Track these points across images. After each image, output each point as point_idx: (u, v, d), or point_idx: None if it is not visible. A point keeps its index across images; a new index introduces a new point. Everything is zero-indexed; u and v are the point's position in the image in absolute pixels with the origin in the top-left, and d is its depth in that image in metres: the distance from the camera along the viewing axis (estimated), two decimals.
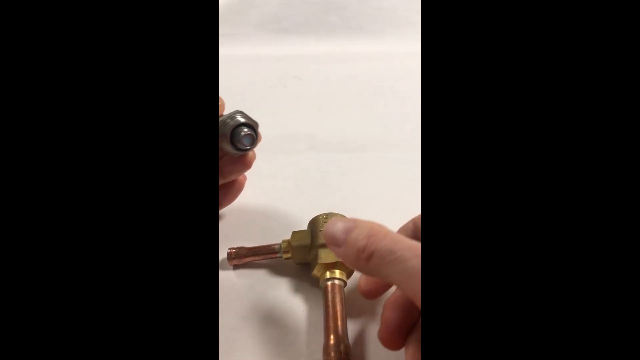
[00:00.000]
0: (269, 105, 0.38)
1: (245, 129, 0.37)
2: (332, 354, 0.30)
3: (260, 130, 0.39)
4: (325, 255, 0.35)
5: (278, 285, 0.38)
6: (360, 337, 0.34)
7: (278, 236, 0.39)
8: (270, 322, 0.35)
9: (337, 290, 0.34)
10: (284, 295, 0.37)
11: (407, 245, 0.24)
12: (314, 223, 0.39)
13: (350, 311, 0.35)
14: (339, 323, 0.32)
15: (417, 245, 0.24)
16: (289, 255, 0.38)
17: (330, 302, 0.33)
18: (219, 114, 0.38)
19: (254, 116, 0.38)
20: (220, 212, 0.45)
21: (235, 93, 0.39)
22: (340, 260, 0.35)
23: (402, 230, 0.33)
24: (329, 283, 0.35)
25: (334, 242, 0.27)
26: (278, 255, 0.39)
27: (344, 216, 0.39)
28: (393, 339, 0.27)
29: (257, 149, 0.40)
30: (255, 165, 0.41)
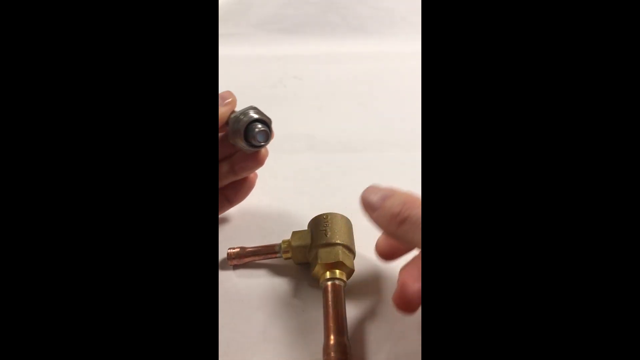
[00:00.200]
0: (269, 105, 0.38)
1: (260, 125, 0.36)
2: (332, 354, 0.30)
3: None
4: (325, 255, 0.35)
5: (278, 285, 0.38)
6: (360, 337, 0.34)
7: (278, 236, 0.39)
8: (270, 322, 0.35)
9: (337, 290, 0.34)
10: (284, 295, 0.37)
11: None
12: (314, 223, 0.39)
13: (350, 311, 0.35)
14: (339, 323, 0.32)
15: None
16: (289, 255, 0.38)
17: (330, 302, 0.33)
18: (231, 110, 0.38)
19: None
20: (225, 213, 0.45)
21: (235, 93, 0.39)
22: (340, 260, 0.35)
23: None
24: (329, 283, 0.35)
25: (370, 207, 0.30)
26: (278, 255, 0.39)
27: (345, 216, 0.39)
28: (408, 303, 0.28)
29: None
30: None
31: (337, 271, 0.35)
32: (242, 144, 0.37)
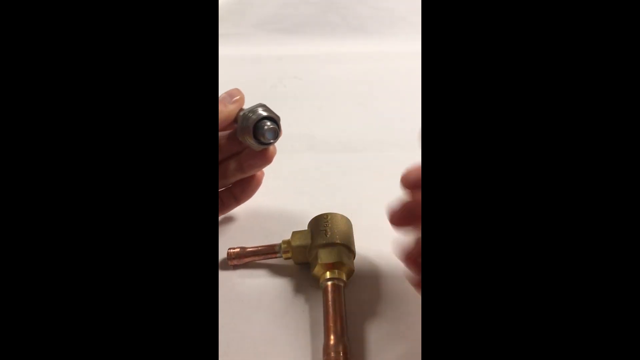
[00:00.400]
0: (269, 105, 0.38)
1: (268, 123, 0.36)
2: (332, 354, 0.31)
3: None
4: (325, 255, 0.35)
5: (278, 285, 0.38)
6: (360, 337, 0.34)
7: (278, 236, 0.39)
8: (270, 322, 0.35)
9: (337, 290, 0.34)
10: (284, 296, 0.37)
11: None
12: (315, 223, 0.39)
13: (350, 311, 0.35)
14: (339, 323, 0.32)
15: None
16: (289, 255, 0.38)
17: (330, 302, 0.33)
18: (240, 107, 0.38)
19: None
20: (229, 214, 0.45)
21: None
22: (340, 260, 0.35)
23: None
24: (329, 283, 0.35)
25: (417, 187, 0.30)
26: (278, 255, 0.39)
27: (345, 216, 0.39)
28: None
29: None
30: None
31: (337, 271, 0.35)
32: (250, 141, 0.37)
